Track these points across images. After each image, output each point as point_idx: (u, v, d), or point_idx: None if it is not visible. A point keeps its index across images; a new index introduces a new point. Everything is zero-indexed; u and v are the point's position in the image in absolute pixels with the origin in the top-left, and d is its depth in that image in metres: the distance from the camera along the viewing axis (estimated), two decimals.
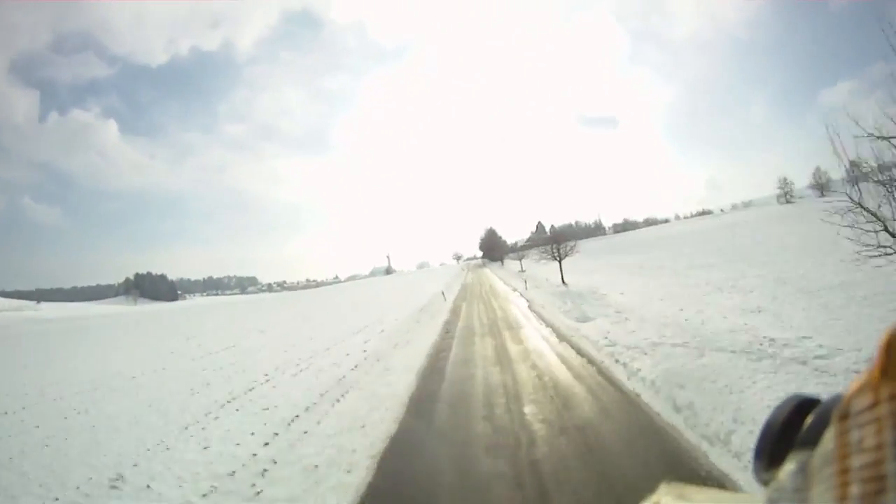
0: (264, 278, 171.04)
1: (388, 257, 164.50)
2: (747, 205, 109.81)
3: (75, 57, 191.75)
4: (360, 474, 4.40)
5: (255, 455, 5.25)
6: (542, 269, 31.35)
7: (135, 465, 5.71)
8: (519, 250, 62.62)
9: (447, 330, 13.01)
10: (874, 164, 6.08)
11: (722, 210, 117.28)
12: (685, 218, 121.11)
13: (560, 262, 24.47)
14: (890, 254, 5.67)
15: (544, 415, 5.11)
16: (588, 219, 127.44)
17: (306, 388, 8.18)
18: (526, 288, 22.55)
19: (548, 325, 11.24)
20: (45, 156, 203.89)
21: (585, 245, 31.56)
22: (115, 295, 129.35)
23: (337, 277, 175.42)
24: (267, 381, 9.49)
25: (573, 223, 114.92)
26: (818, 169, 71.35)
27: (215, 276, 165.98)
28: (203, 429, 6.80)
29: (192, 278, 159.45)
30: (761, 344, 6.75)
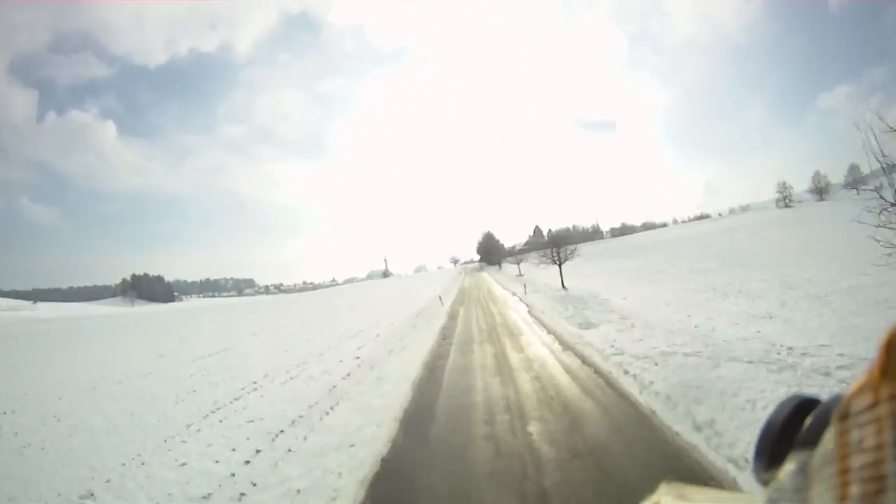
0: (261, 280, 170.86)
1: (385, 260, 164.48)
2: (745, 209, 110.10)
3: (74, 57, 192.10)
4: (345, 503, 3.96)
5: (233, 475, 4.81)
6: (540, 273, 30.98)
7: (107, 482, 5.47)
8: (516, 254, 62.05)
9: (444, 336, 12.56)
10: None
11: (720, 214, 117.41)
12: (683, 222, 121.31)
13: (560, 266, 24.14)
14: None
15: (552, 434, 4.64)
16: (586, 223, 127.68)
17: (295, 397, 7.75)
18: (525, 292, 22.12)
19: (549, 331, 10.81)
20: (43, 156, 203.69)
21: (583, 249, 31.27)
22: (112, 296, 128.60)
23: (334, 280, 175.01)
24: (255, 389, 9.05)
25: (571, 227, 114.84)
26: (817, 173, 71.66)
27: (212, 278, 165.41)
28: (183, 442, 6.42)
29: (189, 280, 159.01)
30: (779, 353, 6.42)
